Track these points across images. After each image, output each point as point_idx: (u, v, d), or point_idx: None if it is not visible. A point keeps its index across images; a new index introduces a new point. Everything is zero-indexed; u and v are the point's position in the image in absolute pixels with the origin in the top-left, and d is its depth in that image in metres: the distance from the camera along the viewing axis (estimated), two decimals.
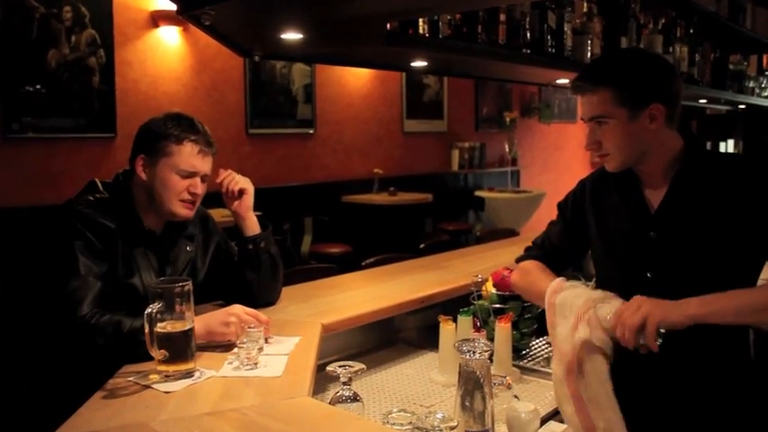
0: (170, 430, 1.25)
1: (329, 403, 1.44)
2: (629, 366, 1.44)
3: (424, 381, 1.90)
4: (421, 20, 2.16)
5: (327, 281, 2.46)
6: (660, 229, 1.54)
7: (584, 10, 2.90)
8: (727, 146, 7.07)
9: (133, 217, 1.79)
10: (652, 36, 3.45)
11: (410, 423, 1.33)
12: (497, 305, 2.02)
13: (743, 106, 5.67)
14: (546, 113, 7.96)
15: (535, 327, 2.11)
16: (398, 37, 2.11)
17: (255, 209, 1.99)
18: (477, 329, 1.87)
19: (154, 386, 1.45)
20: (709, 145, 6.52)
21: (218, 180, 1.94)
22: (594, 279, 1.77)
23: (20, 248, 3.06)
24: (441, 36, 2.23)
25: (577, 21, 2.85)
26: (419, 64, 2.80)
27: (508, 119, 7.13)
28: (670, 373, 1.49)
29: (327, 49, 2.64)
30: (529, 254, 1.81)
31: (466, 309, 1.95)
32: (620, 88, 1.48)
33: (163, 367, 1.48)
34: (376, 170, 5.81)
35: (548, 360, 2.02)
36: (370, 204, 5.47)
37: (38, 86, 3.92)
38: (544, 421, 1.56)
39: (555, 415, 1.60)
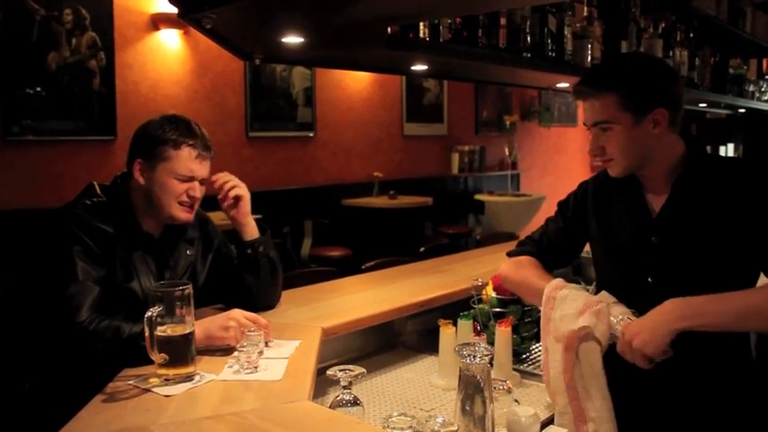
0: None
1: (329, 407, 1.44)
2: (628, 366, 1.44)
3: (424, 385, 1.90)
4: (421, 24, 2.16)
5: (327, 284, 2.45)
6: (661, 233, 1.54)
7: (585, 14, 2.91)
8: (727, 150, 7.08)
9: (131, 221, 1.78)
10: (652, 40, 3.45)
11: (410, 427, 1.32)
12: (498, 309, 2.02)
13: (743, 110, 5.67)
14: (546, 117, 7.98)
15: (535, 331, 2.10)
16: (399, 41, 2.12)
17: (255, 212, 1.98)
18: (478, 333, 1.87)
19: (154, 390, 1.44)
20: (709, 149, 6.43)
21: (214, 181, 1.92)
22: (594, 283, 1.77)
23: (20, 251, 3.05)
24: (441, 40, 2.23)
25: (578, 25, 2.86)
26: (419, 68, 2.81)
27: (508, 122, 7.14)
28: (670, 373, 1.49)
29: (328, 52, 2.65)
30: (523, 249, 1.80)
31: (466, 313, 1.94)
32: (624, 93, 1.48)
33: (163, 371, 1.48)
34: (376, 173, 5.82)
35: None
36: (369, 208, 5.46)
37: (38, 89, 3.92)
38: (544, 425, 1.55)
39: None
